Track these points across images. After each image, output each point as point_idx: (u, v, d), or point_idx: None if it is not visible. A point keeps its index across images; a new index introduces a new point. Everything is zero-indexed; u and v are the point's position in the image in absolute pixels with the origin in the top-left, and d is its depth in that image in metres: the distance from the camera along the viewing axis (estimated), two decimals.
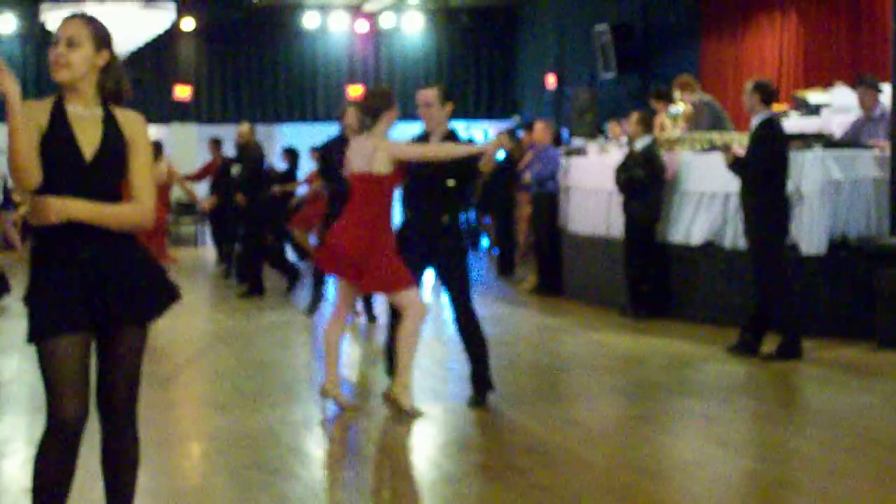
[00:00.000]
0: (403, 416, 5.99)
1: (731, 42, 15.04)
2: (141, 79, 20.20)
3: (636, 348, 8.38)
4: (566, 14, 18.54)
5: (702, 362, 7.73)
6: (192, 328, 10.44)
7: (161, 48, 19.70)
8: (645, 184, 9.61)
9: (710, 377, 7.34)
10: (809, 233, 8.47)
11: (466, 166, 6.19)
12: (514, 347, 8.45)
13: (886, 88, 8.99)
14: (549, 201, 11.61)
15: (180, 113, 20.56)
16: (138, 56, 18.71)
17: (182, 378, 7.81)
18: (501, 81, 21.97)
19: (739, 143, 8.64)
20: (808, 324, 8.34)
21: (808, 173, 8.50)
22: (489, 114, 21.17)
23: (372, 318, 9.90)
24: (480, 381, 6.32)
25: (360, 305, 9.89)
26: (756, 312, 7.80)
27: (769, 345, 7.75)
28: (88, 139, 3.39)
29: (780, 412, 6.43)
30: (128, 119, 3.49)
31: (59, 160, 3.34)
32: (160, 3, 17.41)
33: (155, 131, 19.01)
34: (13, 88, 3.10)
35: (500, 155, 13.72)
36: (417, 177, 6.17)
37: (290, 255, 13.79)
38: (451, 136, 6.25)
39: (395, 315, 6.27)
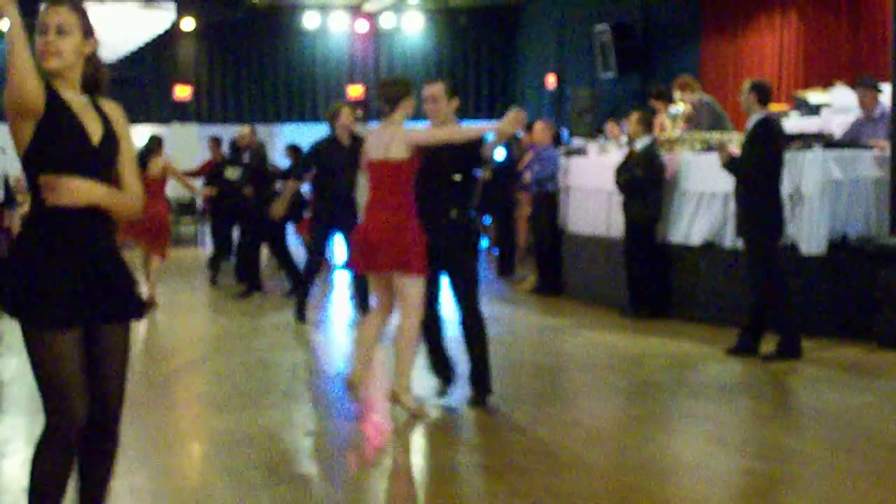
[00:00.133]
0: (409, 416, 6.01)
1: (731, 42, 15.05)
2: (141, 79, 20.26)
3: (636, 348, 8.38)
4: (566, 14, 18.55)
5: (702, 362, 7.73)
6: (193, 329, 10.44)
7: (161, 48, 19.72)
8: (645, 184, 9.62)
9: (710, 377, 7.34)
10: (809, 233, 8.47)
11: (471, 158, 6.21)
12: (514, 347, 8.45)
13: (886, 88, 8.99)
14: (548, 201, 11.61)
15: (180, 113, 20.57)
16: (138, 56, 18.74)
17: (182, 378, 7.81)
18: (501, 81, 21.99)
19: (736, 142, 8.65)
20: (808, 324, 8.35)
21: (808, 173, 8.50)
22: (489, 114, 21.17)
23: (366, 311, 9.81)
24: (481, 381, 6.31)
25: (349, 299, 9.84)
26: (753, 312, 7.80)
27: (768, 345, 7.75)
28: (92, 125, 3.40)
29: (780, 412, 6.43)
30: (111, 108, 3.51)
31: (68, 146, 3.33)
32: (160, 3, 17.42)
33: (155, 131, 19.00)
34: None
35: (500, 155, 13.74)
36: (423, 172, 6.17)
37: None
38: None
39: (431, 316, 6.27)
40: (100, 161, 3.39)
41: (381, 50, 21.53)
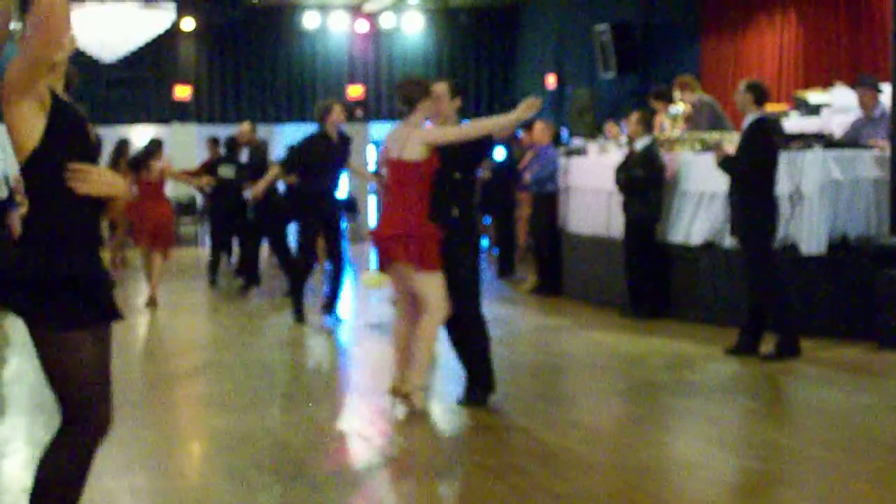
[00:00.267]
0: (414, 414, 6.01)
1: (731, 42, 15.05)
2: (141, 79, 20.27)
3: (636, 348, 8.38)
4: (566, 14, 18.55)
5: (702, 362, 7.73)
6: (192, 329, 10.44)
7: (161, 48, 19.71)
8: (645, 184, 9.62)
9: (710, 377, 7.34)
10: (809, 233, 8.47)
11: (472, 157, 6.23)
12: (514, 347, 8.45)
13: (886, 88, 8.99)
14: (548, 201, 11.61)
15: (180, 113, 20.57)
16: (138, 56, 18.73)
17: (182, 378, 7.81)
18: (501, 81, 21.99)
19: (730, 141, 8.65)
20: (808, 324, 8.35)
21: (808, 173, 8.50)
22: (489, 114, 21.16)
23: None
24: (482, 381, 6.31)
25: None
26: (752, 312, 7.81)
27: (768, 345, 7.75)
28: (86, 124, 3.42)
29: (780, 412, 6.43)
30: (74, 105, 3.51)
31: (76, 144, 3.33)
32: (160, 3, 17.42)
33: (155, 131, 19.01)
34: None
35: (500, 155, 13.74)
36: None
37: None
38: None
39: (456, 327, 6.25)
40: (95, 158, 3.40)
41: (381, 50, 21.52)
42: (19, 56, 3.23)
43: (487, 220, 15.22)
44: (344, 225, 10.41)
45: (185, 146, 19.67)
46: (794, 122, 10.32)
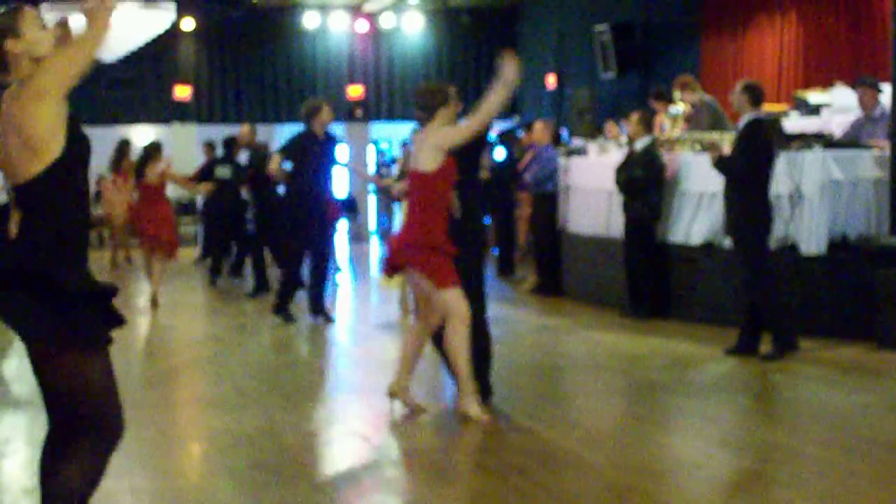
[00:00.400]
0: (411, 413, 6.02)
1: (731, 42, 15.05)
2: (141, 79, 20.27)
3: (636, 348, 8.38)
4: (566, 14, 18.55)
5: (702, 362, 7.73)
6: (192, 328, 10.44)
7: (161, 48, 19.70)
8: (645, 184, 9.61)
9: (710, 377, 7.34)
10: (809, 233, 8.47)
11: (472, 158, 6.22)
12: (514, 347, 8.45)
13: (886, 88, 8.99)
14: (548, 201, 11.61)
15: (180, 113, 20.57)
16: (138, 56, 18.71)
17: (182, 378, 7.81)
18: None
19: (728, 142, 8.65)
20: (808, 324, 8.36)
21: (808, 173, 8.50)
22: None
23: (328, 318, 9.82)
24: (482, 382, 6.30)
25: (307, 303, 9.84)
26: (749, 312, 7.81)
27: (768, 344, 7.75)
28: None
29: (780, 412, 6.43)
30: None
31: (83, 150, 3.34)
32: (160, 3, 17.41)
33: (155, 131, 19.02)
34: None
35: (500, 155, 13.74)
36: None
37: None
38: None
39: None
40: (89, 161, 3.42)
41: (381, 50, 21.52)
42: (63, 58, 3.19)
43: (487, 220, 15.22)
44: (344, 225, 10.39)
45: (185, 146, 19.68)
46: (794, 122, 10.32)
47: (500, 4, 21.23)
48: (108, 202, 16.15)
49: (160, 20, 17.66)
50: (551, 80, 19.09)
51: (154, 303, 11.13)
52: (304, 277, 10.14)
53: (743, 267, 7.84)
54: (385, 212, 20.48)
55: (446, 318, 5.97)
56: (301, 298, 10.19)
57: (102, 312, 3.34)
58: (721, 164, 7.88)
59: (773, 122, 9.49)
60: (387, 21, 21.07)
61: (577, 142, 13.54)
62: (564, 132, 15.64)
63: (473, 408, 5.93)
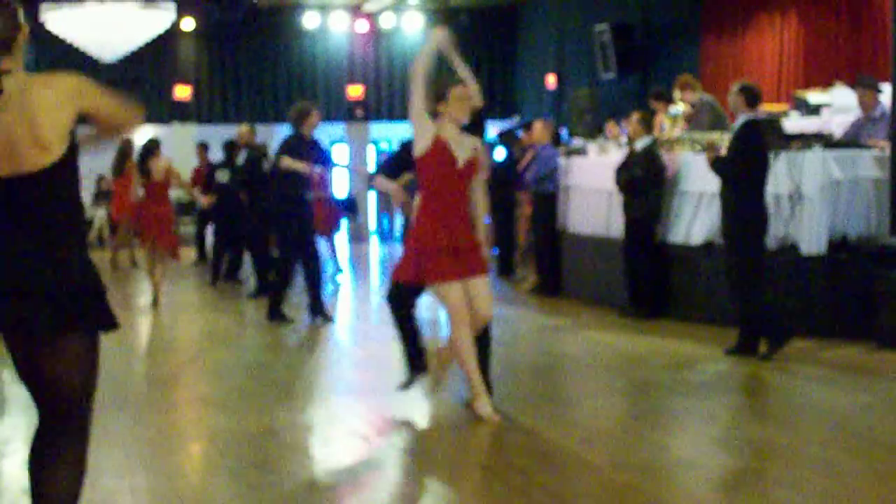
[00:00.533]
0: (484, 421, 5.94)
1: (731, 42, 15.06)
2: (141, 79, 20.27)
3: (636, 348, 8.38)
4: (566, 14, 18.56)
5: (702, 362, 7.73)
6: (192, 328, 10.44)
7: (161, 48, 19.72)
8: (645, 184, 9.62)
9: (710, 377, 7.34)
10: (809, 233, 8.47)
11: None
12: (514, 347, 8.45)
13: (886, 88, 8.99)
14: (548, 201, 11.62)
15: (180, 113, 20.58)
16: (138, 56, 18.74)
17: (182, 378, 7.81)
18: (501, 81, 21.99)
19: (727, 142, 8.66)
20: (808, 324, 8.37)
21: (808, 173, 8.50)
22: (489, 114, 21.16)
23: (327, 318, 9.82)
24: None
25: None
26: (748, 312, 7.80)
27: (766, 344, 7.76)
28: None
29: (780, 412, 6.43)
30: None
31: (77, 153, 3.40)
32: (160, 3, 17.42)
33: (155, 131, 19.01)
34: None
35: (500, 155, 13.74)
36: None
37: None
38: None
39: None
40: None
41: (381, 50, 21.53)
42: (108, 102, 3.28)
43: (487, 220, 15.23)
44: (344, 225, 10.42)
45: (185, 146, 19.68)
46: (794, 122, 10.32)
47: (500, 4, 21.24)
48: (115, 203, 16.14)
49: (160, 20, 17.69)
50: (551, 80, 19.10)
51: (155, 302, 11.14)
52: (289, 278, 10.13)
53: (734, 267, 7.84)
54: (385, 212, 20.51)
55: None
56: (296, 298, 10.19)
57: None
58: (717, 164, 7.90)
59: (772, 123, 9.51)
60: (387, 21, 21.08)
61: (577, 142, 13.54)
62: (564, 132, 15.65)
63: (486, 409, 5.91)
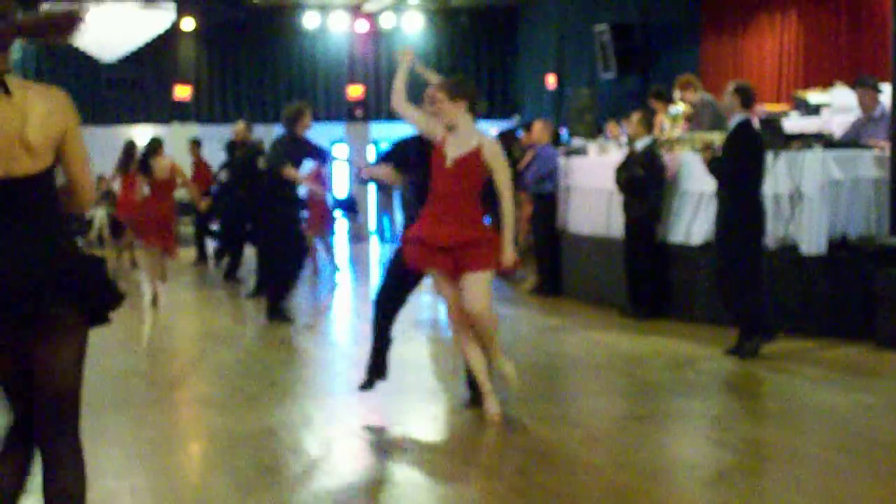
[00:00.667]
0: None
1: (731, 42, 15.06)
2: (141, 79, 20.28)
3: (636, 348, 8.38)
4: (566, 14, 18.56)
5: (702, 362, 7.73)
6: (192, 328, 10.44)
7: (161, 48, 19.72)
8: (645, 184, 9.62)
9: (710, 377, 7.34)
10: (809, 233, 8.47)
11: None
12: (514, 347, 8.45)
13: (886, 88, 8.99)
14: (548, 201, 11.61)
15: (180, 113, 20.58)
16: (138, 56, 18.73)
17: (182, 378, 7.81)
18: (501, 81, 21.99)
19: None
20: (808, 324, 8.37)
21: (808, 173, 8.50)
22: (489, 114, 21.17)
23: (285, 318, 9.84)
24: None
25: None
26: (747, 312, 7.81)
27: (767, 344, 7.76)
28: None
29: (780, 412, 6.42)
30: None
31: None
32: (160, 3, 17.43)
33: (155, 131, 19.00)
34: None
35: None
36: (417, 173, 6.15)
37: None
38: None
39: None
40: None
41: (381, 50, 21.53)
42: (84, 169, 3.32)
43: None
44: (344, 225, 10.45)
45: (185, 146, 19.68)
46: (794, 122, 10.32)
47: (500, 4, 21.24)
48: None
49: (160, 20, 17.70)
50: (551, 80, 19.10)
51: (155, 302, 11.13)
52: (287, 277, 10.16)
53: (723, 268, 7.86)
54: (386, 211, 20.50)
55: None
56: (291, 298, 10.19)
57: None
58: (712, 165, 7.91)
59: (772, 123, 9.51)
60: (387, 21, 21.08)
61: (577, 142, 13.54)
62: (564, 132, 15.65)
63: (493, 408, 5.89)
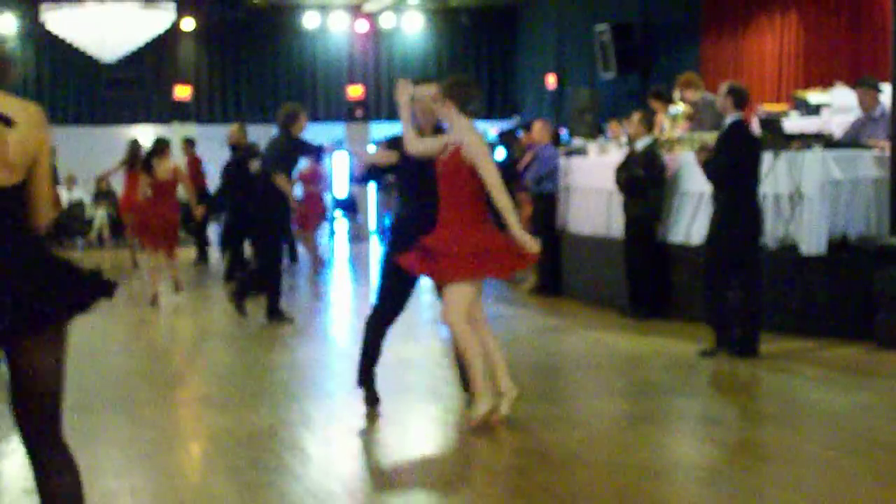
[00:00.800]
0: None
1: (732, 42, 15.05)
2: (141, 79, 20.28)
3: (636, 348, 8.38)
4: (566, 14, 18.56)
5: (702, 362, 7.73)
6: (192, 328, 10.45)
7: (161, 48, 19.72)
8: (645, 184, 9.61)
9: (710, 377, 7.34)
10: (809, 233, 8.47)
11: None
12: (514, 348, 8.44)
13: (886, 88, 8.99)
14: (548, 201, 11.61)
15: (180, 113, 20.58)
16: (138, 56, 18.74)
17: (182, 378, 7.81)
18: (501, 81, 21.99)
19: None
20: (808, 324, 8.36)
21: (808, 173, 8.50)
22: (489, 114, 21.18)
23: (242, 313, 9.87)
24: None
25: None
26: (748, 312, 7.80)
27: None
28: None
29: (780, 412, 6.42)
30: None
31: None
32: (160, 3, 17.43)
33: (155, 131, 19.01)
34: None
35: (500, 155, 13.73)
36: (407, 167, 6.10)
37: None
38: (440, 131, 6.19)
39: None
40: None
41: (381, 50, 21.54)
42: (48, 184, 3.34)
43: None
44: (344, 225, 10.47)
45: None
46: (794, 122, 10.32)
47: (500, 4, 21.24)
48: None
49: (160, 20, 17.70)
50: (551, 80, 19.10)
51: (155, 301, 11.15)
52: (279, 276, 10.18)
53: (707, 266, 7.89)
54: (386, 211, 20.50)
55: None
56: (292, 298, 10.20)
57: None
58: (707, 166, 7.93)
59: (773, 123, 9.50)
60: (387, 21, 21.09)
61: (577, 142, 13.54)
62: (564, 132, 15.65)
63: (477, 408, 5.83)
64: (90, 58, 18.35)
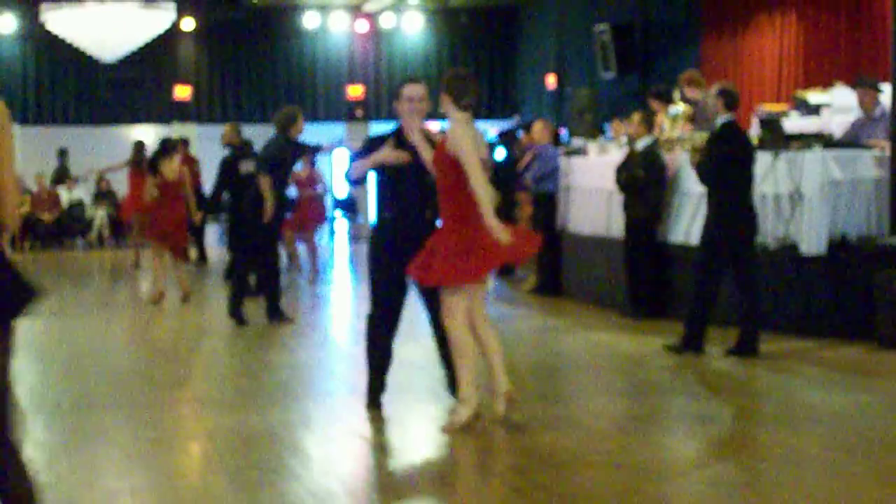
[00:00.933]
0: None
1: (731, 42, 15.06)
2: (141, 79, 20.29)
3: (636, 348, 8.38)
4: (566, 14, 18.56)
5: (701, 362, 7.73)
6: (192, 328, 10.44)
7: (161, 48, 19.72)
8: (645, 184, 9.61)
9: (710, 377, 7.34)
10: (809, 233, 8.47)
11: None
12: (514, 347, 8.44)
13: (886, 88, 8.99)
14: (548, 201, 11.61)
15: (180, 113, 20.58)
16: (138, 56, 18.74)
17: (182, 378, 7.81)
18: (501, 81, 21.99)
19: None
20: (808, 324, 8.36)
21: (808, 173, 8.50)
22: (489, 114, 21.19)
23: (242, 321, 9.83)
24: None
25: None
26: (748, 312, 7.81)
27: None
28: None
29: (780, 412, 6.42)
30: None
31: None
32: (160, 3, 17.44)
33: (155, 131, 19.02)
34: None
35: (500, 155, 13.73)
36: (390, 170, 6.07)
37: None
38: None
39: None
40: None
41: (381, 50, 21.54)
42: (11, 174, 3.35)
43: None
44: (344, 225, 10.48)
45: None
46: (794, 122, 10.32)
47: (500, 4, 21.25)
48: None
49: (160, 20, 17.72)
50: (551, 80, 19.10)
51: (159, 299, 11.16)
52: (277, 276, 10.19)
53: (698, 265, 7.90)
54: None
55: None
56: (292, 298, 10.20)
57: None
58: (699, 168, 7.94)
59: (772, 123, 9.50)
60: (387, 21, 21.09)
61: (577, 142, 13.54)
62: (564, 132, 15.65)
63: (458, 413, 5.76)
64: (90, 58, 18.36)
